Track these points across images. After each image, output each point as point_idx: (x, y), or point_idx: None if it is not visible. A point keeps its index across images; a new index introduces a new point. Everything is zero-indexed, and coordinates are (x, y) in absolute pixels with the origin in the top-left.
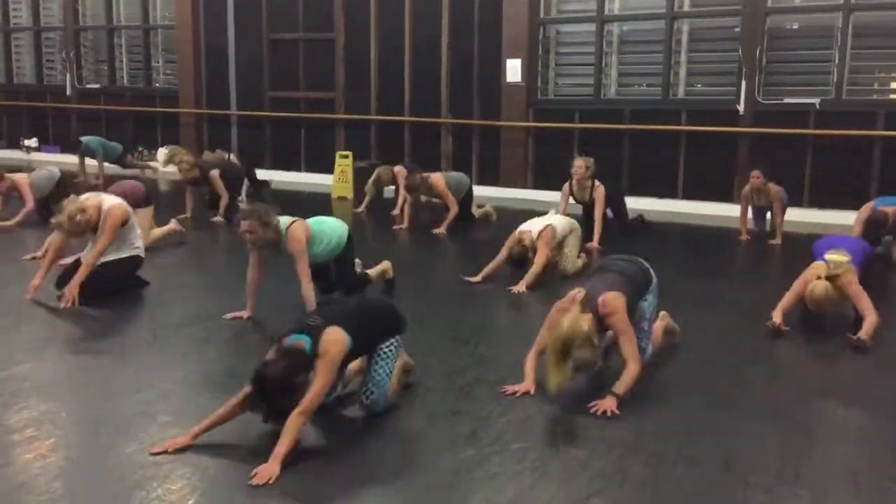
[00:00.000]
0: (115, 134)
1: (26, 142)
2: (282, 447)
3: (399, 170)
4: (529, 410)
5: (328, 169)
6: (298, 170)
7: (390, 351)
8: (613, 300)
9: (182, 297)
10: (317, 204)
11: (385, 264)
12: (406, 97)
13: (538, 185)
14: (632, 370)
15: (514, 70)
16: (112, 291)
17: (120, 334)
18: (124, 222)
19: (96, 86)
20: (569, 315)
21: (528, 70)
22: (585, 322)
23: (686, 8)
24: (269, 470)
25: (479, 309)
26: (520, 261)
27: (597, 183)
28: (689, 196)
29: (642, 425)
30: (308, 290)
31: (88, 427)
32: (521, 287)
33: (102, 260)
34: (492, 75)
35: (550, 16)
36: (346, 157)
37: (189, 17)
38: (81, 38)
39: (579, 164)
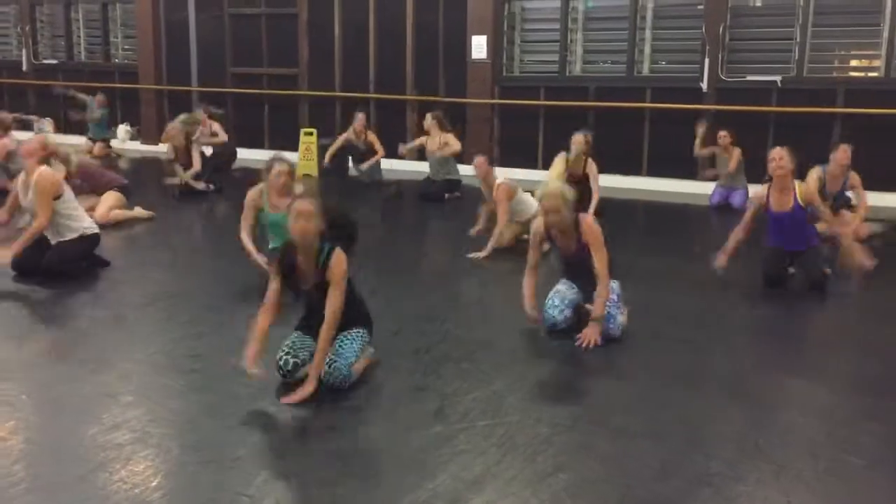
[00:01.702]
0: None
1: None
2: (316, 367)
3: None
4: (496, 387)
5: (293, 146)
6: (262, 147)
7: (359, 335)
8: (594, 223)
9: (143, 275)
10: None
11: None
12: (371, 73)
13: (504, 163)
14: (603, 294)
15: (479, 47)
16: (70, 271)
17: (80, 314)
18: (57, 196)
19: (53, 61)
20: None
21: (494, 47)
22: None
23: None
24: (306, 389)
25: (447, 287)
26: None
27: (590, 160)
28: (653, 173)
29: (607, 401)
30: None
31: (49, 408)
32: (481, 254)
33: (59, 239)
34: (457, 52)
35: None
36: (311, 133)
37: None
38: (37, 13)
39: (580, 139)
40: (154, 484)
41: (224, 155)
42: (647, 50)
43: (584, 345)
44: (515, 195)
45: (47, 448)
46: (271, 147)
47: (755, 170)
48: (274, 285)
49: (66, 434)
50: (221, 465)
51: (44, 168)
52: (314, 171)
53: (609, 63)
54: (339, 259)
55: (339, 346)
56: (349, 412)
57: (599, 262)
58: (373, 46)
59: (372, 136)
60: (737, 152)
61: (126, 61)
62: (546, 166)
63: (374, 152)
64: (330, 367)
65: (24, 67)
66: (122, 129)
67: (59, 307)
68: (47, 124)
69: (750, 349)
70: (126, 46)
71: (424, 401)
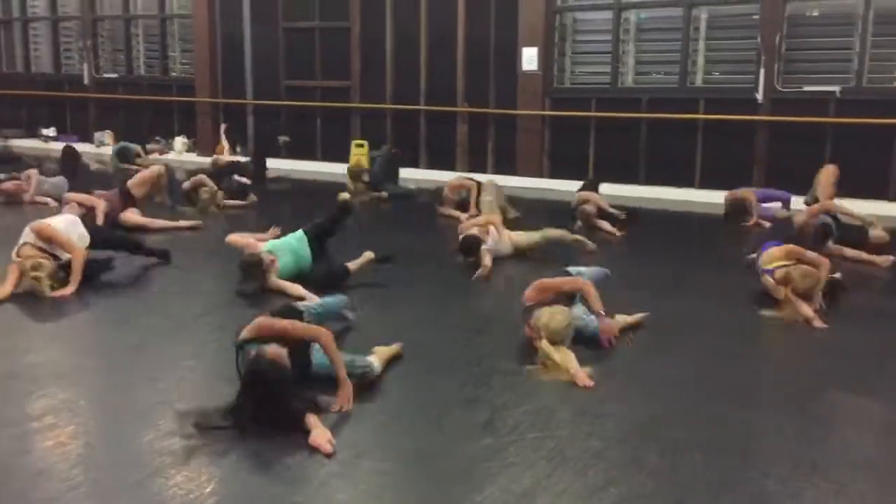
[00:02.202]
0: (132, 123)
1: (44, 131)
2: (340, 370)
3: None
4: (546, 401)
5: (344, 157)
6: (314, 158)
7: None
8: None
9: (196, 285)
10: (332, 193)
11: (366, 255)
12: (422, 85)
13: (554, 174)
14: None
15: (530, 58)
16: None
17: (138, 323)
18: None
19: (114, 75)
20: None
21: (545, 58)
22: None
23: None
24: (347, 392)
25: (499, 298)
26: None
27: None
28: (706, 185)
29: (658, 415)
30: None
31: (107, 415)
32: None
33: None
34: (508, 64)
35: (567, 3)
36: (362, 145)
37: (205, 6)
38: (98, 28)
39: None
40: (208, 490)
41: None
42: (701, 61)
43: (609, 342)
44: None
45: (105, 453)
46: (323, 159)
47: (808, 184)
48: None
49: (124, 440)
50: (273, 473)
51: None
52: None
53: (661, 74)
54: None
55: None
56: (398, 421)
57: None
58: (424, 58)
59: None
60: None
61: (183, 75)
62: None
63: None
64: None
65: (86, 81)
66: (179, 141)
67: (119, 315)
68: (107, 136)
69: (801, 364)
70: (183, 60)
71: (474, 412)
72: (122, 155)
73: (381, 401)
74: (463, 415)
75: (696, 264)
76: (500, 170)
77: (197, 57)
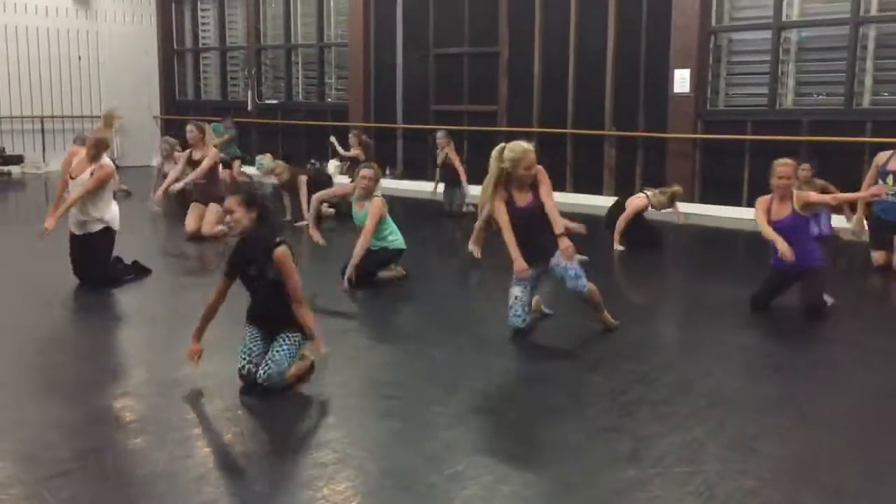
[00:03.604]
0: (290, 146)
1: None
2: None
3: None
4: (695, 433)
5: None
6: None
7: (295, 340)
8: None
9: (341, 300)
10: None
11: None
12: (569, 108)
13: (706, 199)
14: (556, 214)
15: (682, 80)
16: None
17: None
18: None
19: (274, 101)
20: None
21: (698, 80)
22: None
23: (873, 12)
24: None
25: (646, 324)
26: None
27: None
28: None
29: (815, 453)
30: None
31: (261, 425)
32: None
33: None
34: (658, 86)
35: (723, 24)
36: None
37: (361, 35)
38: (262, 57)
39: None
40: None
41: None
42: (868, 81)
43: (567, 258)
44: None
45: (259, 463)
46: (470, 182)
47: None
48: (221, 284)
49: (275, 450)
50: (416, 491)
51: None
52: None
53: (824, 95)
54: (281, 254)
55: (275, 352)
56: (539, 447)
57: (547, 196)
58: (572, 81)
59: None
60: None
61: (338, 100)
62: (751, 203)
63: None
64: (264, 374)
65: (249, 107)
66: (332, 164)
67: None
68: (266, 159)
69: None
70: (338, 87)
71: (618, 442)
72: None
73: (522, 426)
74: (605, 444)
75: (870, 297)
76: None
77: (351, 83)
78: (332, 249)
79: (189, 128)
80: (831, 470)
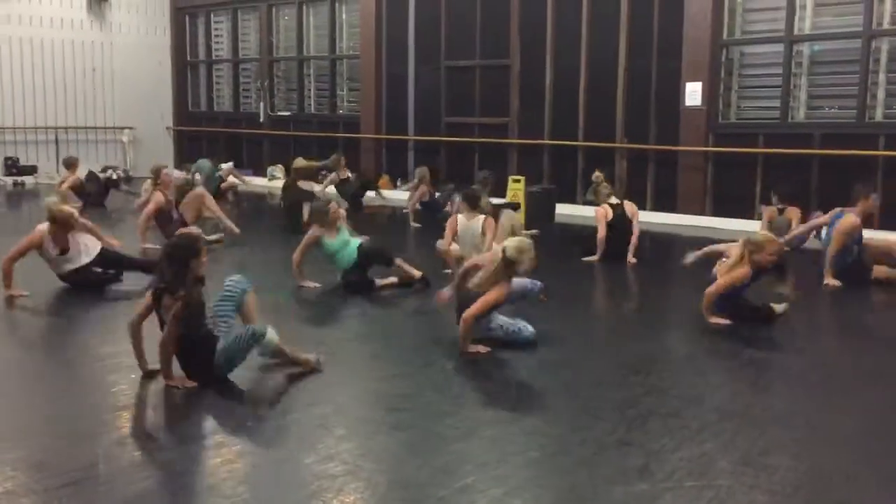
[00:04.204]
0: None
1: (223, 165)
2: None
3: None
4: (705, 447)
5: (500, 193)
6: None
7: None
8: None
9: (348, 312)
10: None
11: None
12: (580, 121)
13: (717, 212)
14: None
15: (693, 93)
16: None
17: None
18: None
19: (287, 113)
20: None
21: (709, 93)
22: None
23: (886, 25)
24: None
25: (653, 338)
26: None
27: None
28: (887, 226)
29: (828, 470)
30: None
31: (271, 436)
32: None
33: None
34: (670, 99)
35: (734, 37)
36: (519, 181)
37: (372, 47)
38: (275, 69)
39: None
40: None
41: None
42: (881, 94)
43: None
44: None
45: (269, 473)
46: None
47: None
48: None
49: (286, 461)
50: None
51: None
52: (521, 218)
53: (836, 108)
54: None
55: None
56: (549, 460)
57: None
58: (583, 94)
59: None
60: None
61: (349, 112)
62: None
63: None
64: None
65: (261, 119)
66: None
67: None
68: (278, 171)
69: None
70: (350, 98)
71: (628, 456)
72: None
73: (532, 439)
74: (616, 457)
75: (885, 309)
76: (660, 207)
77: (363, 95)
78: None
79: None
80: (844, 485)
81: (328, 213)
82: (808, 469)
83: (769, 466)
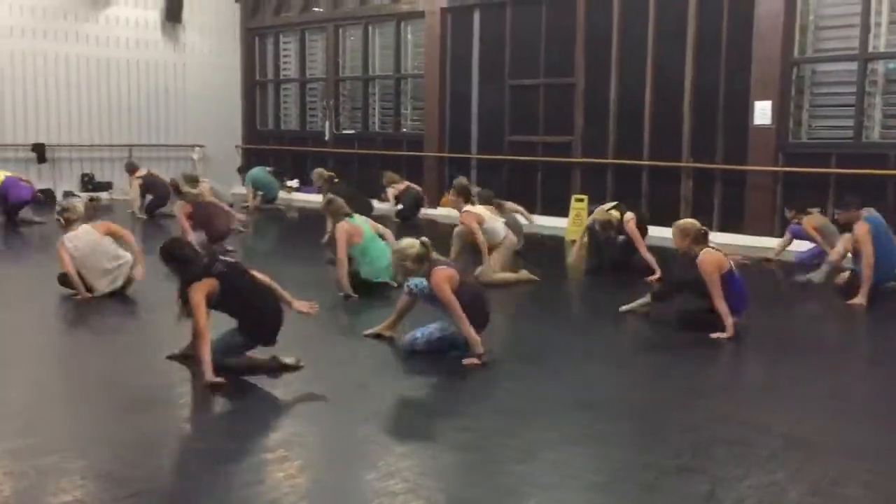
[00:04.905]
0: (365, 176)
1: (289, 182)
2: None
3: None
4: (774, 476)
5: (563, 212)
6: (534, 212)
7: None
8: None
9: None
10: (550, 247)
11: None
12: (645, 140)
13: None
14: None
15: (762, 112)
16: None
17: (364, 363)
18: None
19: (351, 131)
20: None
21: (779, 112)
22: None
23: None
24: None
25: (720, 360)
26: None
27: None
28: None
29: None
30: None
31: (333, 451)
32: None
33: None
34: (738, 117)
35: (806, 55)
36: (582, 200)
37: (437, 66)
38: (340, 88)
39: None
40: None
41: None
42: None
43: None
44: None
45: (330, 488)
46: (543, 213)
47: None
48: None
49: (347, 477)
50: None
51: None
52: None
53: None
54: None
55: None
56: (612, 485)
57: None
58: (648, 112)
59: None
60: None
61: (413, 130)
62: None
63: None
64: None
65: (327, 137)
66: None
67: (342, 354)
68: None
69: None
70: (414, 117)
71: (694, 483)
72: None
73: (594, 462)
74: (681, 483)
75: None
76: (727, 227)
77: (427, 113)
78: None
79: None
80: None
81: None
82: (881, 500)
83: (840, 496)
